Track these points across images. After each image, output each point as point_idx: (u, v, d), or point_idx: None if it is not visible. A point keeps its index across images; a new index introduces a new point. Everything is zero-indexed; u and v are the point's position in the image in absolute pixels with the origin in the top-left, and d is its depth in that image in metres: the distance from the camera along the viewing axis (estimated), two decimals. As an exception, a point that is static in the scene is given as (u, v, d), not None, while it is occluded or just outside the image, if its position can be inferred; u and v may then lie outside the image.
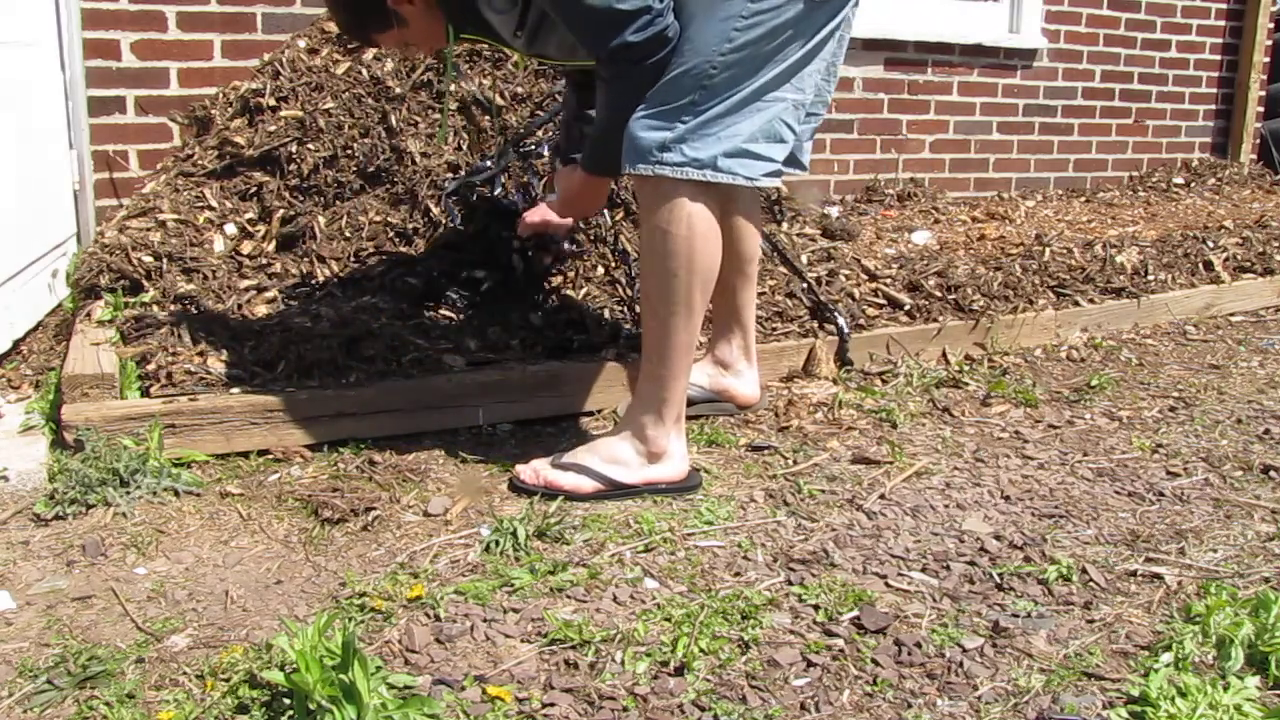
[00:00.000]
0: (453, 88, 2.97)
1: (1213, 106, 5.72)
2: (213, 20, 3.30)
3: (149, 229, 2.70)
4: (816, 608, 1.57)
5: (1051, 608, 1.59)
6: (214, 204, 2.81)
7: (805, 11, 1.84)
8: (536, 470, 1.96)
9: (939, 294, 2.94)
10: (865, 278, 3.02)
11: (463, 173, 2.84)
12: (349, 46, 3.13)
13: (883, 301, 2.91)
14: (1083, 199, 4.99)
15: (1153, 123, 5.52)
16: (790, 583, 1.64)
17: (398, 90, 2.97)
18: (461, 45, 3.06)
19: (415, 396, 2.20)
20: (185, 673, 1.38)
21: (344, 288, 2.58)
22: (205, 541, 1.76)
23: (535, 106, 3.02)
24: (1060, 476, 2.10)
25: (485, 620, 1.51)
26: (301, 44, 3.16)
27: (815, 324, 2.71)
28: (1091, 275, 3.28)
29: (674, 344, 1.91)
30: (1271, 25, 5.76)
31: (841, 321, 2.67)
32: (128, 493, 1.86)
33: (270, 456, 2.08)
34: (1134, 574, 1.70)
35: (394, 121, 2.90)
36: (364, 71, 3.02)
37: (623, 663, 1.41)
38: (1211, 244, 3.74)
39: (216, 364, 2.19)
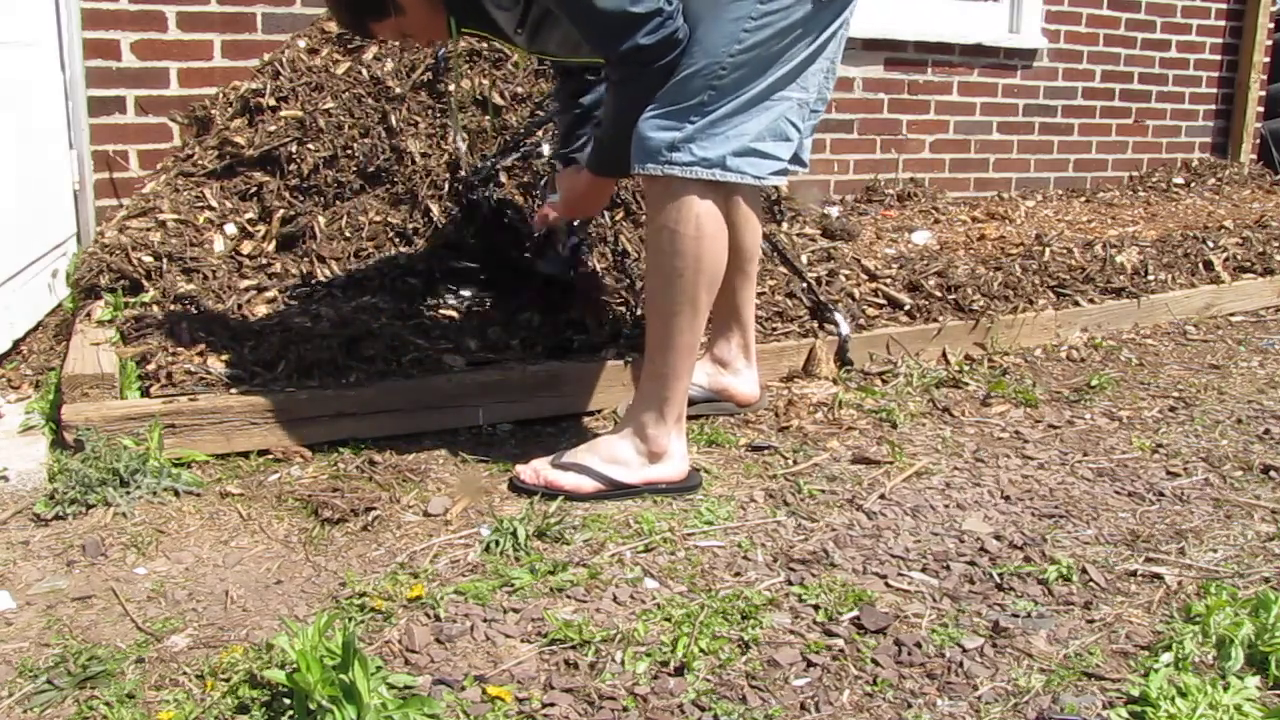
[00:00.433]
0: (452, 87, 2.98)
1: (1213, 106, 5.72)
2: (213, 20, 3.30)
3: (149, 229, 2.70)
4: (816, 608, 1.57)
5: (1051, 608, 1.59)
6: (214, 204, 2.81)
7: (813, 12, 1.84)
8: (537, 470, 1.96)
9: (939, 294, 2.94)
10: (865, 278, 3.02)
11: (462, 173, 2.84)
12: (349, 46, 3.13)
13: (883, 301, 2.91)
14: (1083, 199, 4.99)
15: (1153, 123, 5.52)
16: (790, 583, 1.64)
17: (398, 90, 2.97)
18: (462, 39, 3.06)
19: (415, 396, 2.20)
20: (185, 673, 1.38)
21: (344, 288, 2.58)
22: (205, 541, 1.76)
23: (535, 106, 3.02)
24: (1060, 476, 2.10)
25: (485, 620, 1.51)
26: (301, 44, 3.16)
27: (815, 324, 2.71)
28: (1091, 275, 3.28)
29: (678, 343, 1.91)
30: (1271, 25, 5.76)
31: (840, 320, 2.67)
32: (128, 493, 1.86)
33: (270, 456, 2.08)
34: (1134, 574, 1.70)
35: (394, 121, 2.90)
36: (364, 71, 3.02)
37: (623, 663, 1.41)
38: (1211, 244, 3.74)
39: (216, 364, 2.19)
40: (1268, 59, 5.79)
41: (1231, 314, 3.45)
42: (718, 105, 1.84)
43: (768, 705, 1.34)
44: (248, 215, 2.80)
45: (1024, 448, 2.25)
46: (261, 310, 2.45)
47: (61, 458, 1.95)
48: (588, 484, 1.93)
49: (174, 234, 2.69)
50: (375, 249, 2.70)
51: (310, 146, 2.84)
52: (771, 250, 2.87)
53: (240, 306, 2.46)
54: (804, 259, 3.02)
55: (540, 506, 1.87)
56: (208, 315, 2.38)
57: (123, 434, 1.97)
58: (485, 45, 3.11)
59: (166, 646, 1.44)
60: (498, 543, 1.73)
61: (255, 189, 2.84)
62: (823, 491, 2.00)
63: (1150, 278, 3.37)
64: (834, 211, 3.91)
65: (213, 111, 3.15)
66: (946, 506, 1.95)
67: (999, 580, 1.67)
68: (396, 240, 2.75)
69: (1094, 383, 2.67)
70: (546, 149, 2.83)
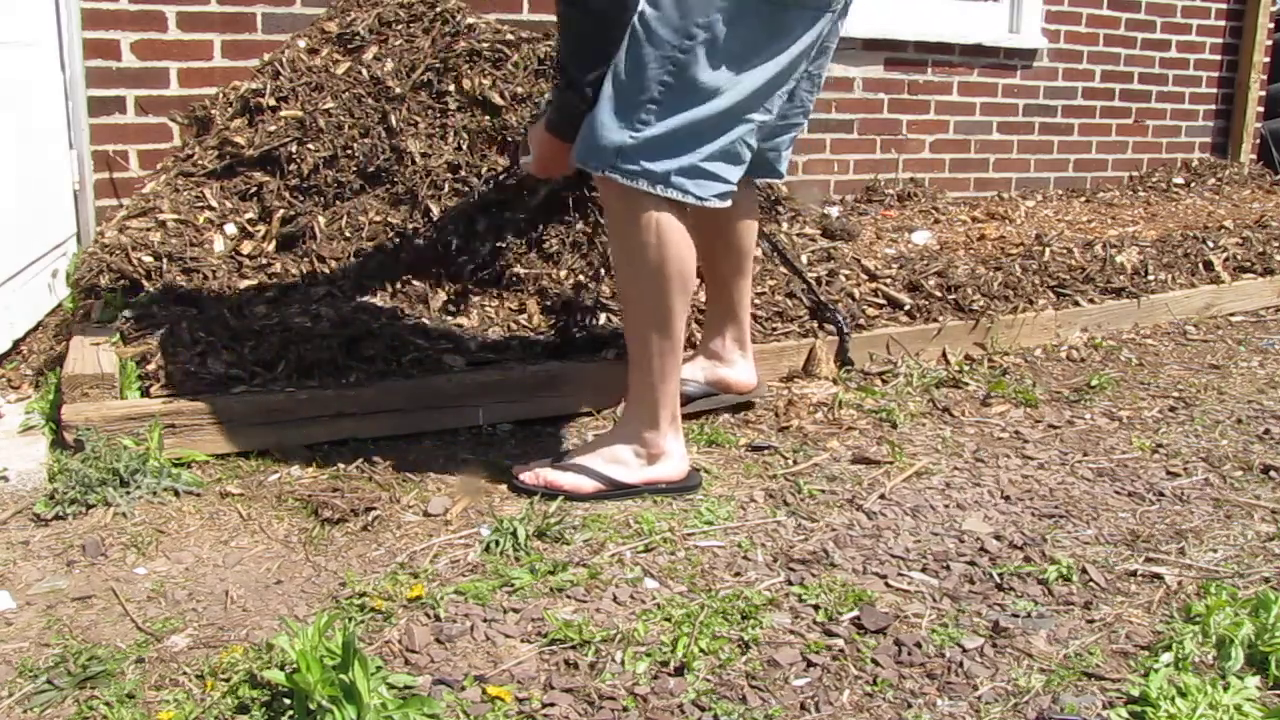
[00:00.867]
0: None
1: (1213, 106, 5.72)
2: (213, 20, 3.30)
3: (149, 229, 2.70)
4: (816, 608, 1.57)
5: (1051, 608, 1.59)
6: (214, 204, 2.81)
7: (778, 20, 1.78)
8: (537, 471, 1.96)
9: (939, 294, 2.94)
10: (865, 278, 3.02)
11: (462, 172, 2.84)
12: (349, 46, 3.13)
13: (883, 301, 2.91)
14: (1083, 199, 4.99)
15: (1153, 123, 5.51)
16: (790, 583, 1.64)
17: (398, 90, 2.97)
18: (461, 41, 3.06)
19: (415, 396, 2.20)
20: (185, 673, 1.38)
21: (344, 288, 2.58)
22: (205, 541, 1.76)
23: (535, 106, 3.02)
24: (1060, 476, 2.10)
25: (485, 620, 1.51)
26: (301, 44, 3.16)
27: (815, 324, 2.71)
28: (1091, 275, 3.28)
29: (656, 349, 1.89)
30: (1271, 25, 5.76)
31: (840, 318, 2.67)
32: (128, 493, 1.86)
33: (270, 456, 2.08)
34: (1134, 574, 1.70)
35: (394, 121, 2.90)
36: (364, 71, 3.02)
37: (623, 663, 1.41)
38: (1211, 244, 3.74)
39: (216, 364, 2.19)
40: (1268, 59, 5.79)
41: (1231, 314, 3.45)
42: (673, 113, 1.77)
43: (768, 705, 1.34)
44: (248, 215, 2.80)
45: (1024, 448, 2.25)
46: (261, 310, 2.45)
47: (61, 458, 1.95)
48: (587, 484, 1.93)
49: (174, 234, 2.69)
50: (375, 249, 2.70)
51: (310, 146, 2.84)
52: (771, 250, 2.87)
53: (240, 306, 2.46)
54: (804, 259, 3.02)
55: (540, 506, 1.87)
56: (208, 315, 2.38)
57: (123, 434, 1.97)
58: (485, 45, 3.11)
59: (166, 646, 1.44)
60: (498, 543, 1.73)
61: (255, 189, 2.84)
62: (823, 491, 2.00)
63: (1150, 278, 3.37)
64: (834, 211, 3.91)
65: (213, 111, 3.15)
66: (946, 506, 1.95)
67: (999, 580, 1.67)
68: (396, 240, 2.75)
69: (1094, 383, 2.67)
70: None
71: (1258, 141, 5.88)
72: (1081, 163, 5.29)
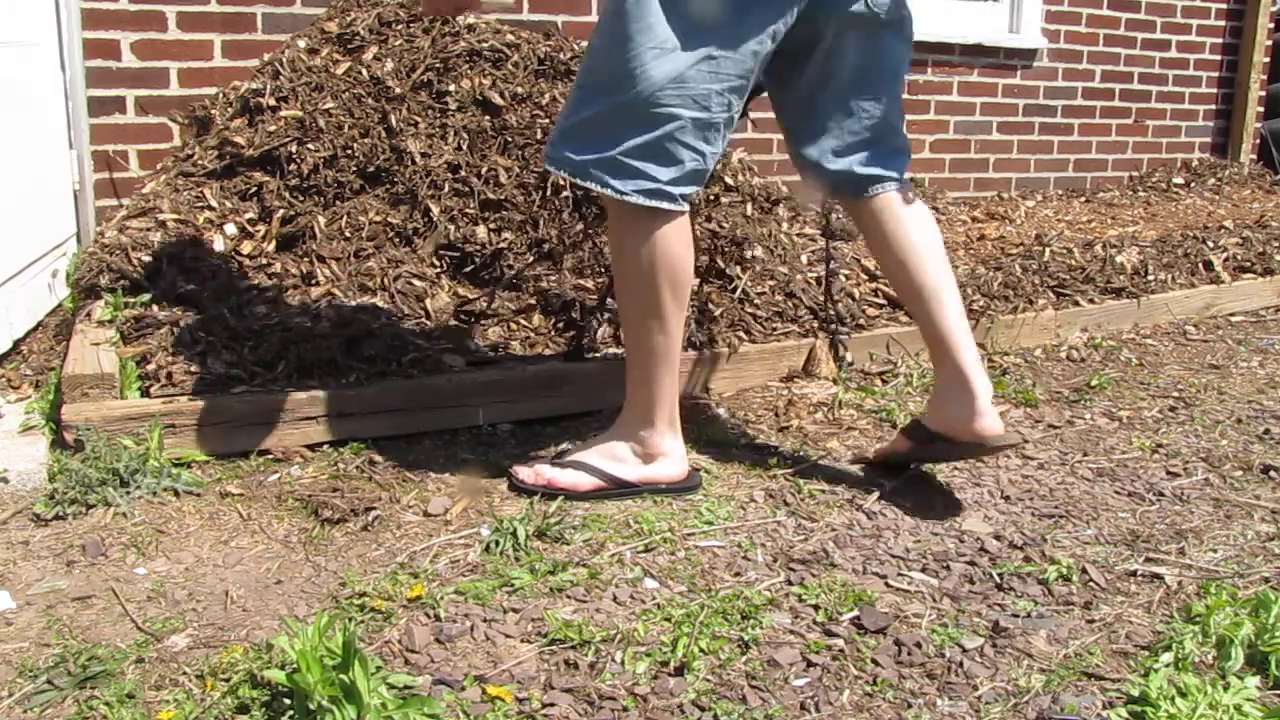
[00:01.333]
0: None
1: (1213, 106, 5.72)
2: (213, 20, 3.30)
3: (149, 229, 2.70)
4: (816, 608, 1.57)
5: (1051, 608, 1.59)
6: (214, 204, 2.81)
7: (700, 7, 1.70)
8: (536, 469, 1.96)
9: (939, 294, 2.93)
10: (865, 278, 3.02)
11: (462, 172, 2.84)
12: (349, 46, 3.13)
13: (883, 301, 2.91)
14: (1083, 199, 4.99)
15: (1153, 123, 5.52)
16: (790, 583, 1.64)
17: (398, 90, 2.97)
18: (461, 42, 3.05)
19: (415, 396, 2.20)
20: (185, 673, 1.38)
21: (344, 288, 2.58)
22: (205, 541, 1.76)
23: (535, 106, 3.02)
24: (1060, 476, 2.10)
25: (485, 620, 1.51)
26: (301, 44, 3.16)
27: (815, 324, 2.71)
28: (1091, 275, 3.28)
29: (648, 348, 1.87)
30: (1271, 25, 5.76)
31: (834, 317, 2.67)
32: (128, 493, 1.86)
33: (270, 456, 2.08)
34: (1134, 574, 1.70)
35: (394, 121, 2.90)
36: (364, 71, 3.02)
37: (623, 663, 1.41)
38: (1211, 244, 3.74)
39: (216, 364, 2.19)
40: (1268, 59, 5.79)
41: (1231, 314, 3.45)
42: (591, 99, 1.75)
43: (768, 705, 1.34)
44: (248, 215, 2.80)
45: (1024, 448, 2.25)
46: (261, 310, 2.45)
47: (61, 458, 1.95)
48: (586, 481, 1.93)
49: (174, 234, 2.69)
50: (375, 249, 2.70)
51: (310, 146, 2.84)
52: (772, 250, 2.87)
53: (240, 306, 2.46)
54: (804, 259, 3.02)
55: (540, 506, 1.87)
56: (208, 315, 2.38)
57: (123, 434, 1.97)
58: (486, 45, 3.11)
59: (166, 646, 1.44)
60: (498, 543, 1.73)
61: (255, 189, 2.84)
62: (823, 491, 2.00)
63: (1150, 278, 3.37)
64: (835, 211, 3.91)
65: (213, 111, 3.15)
66: (946, 506, 1.95)
67: (999, 580, 1.67)
68: (396, 240, 2.75)
69: (1094, 383, 2.67)
70: None
71: (1258, 141, 5.89)
72: (1081, 163, 5.29)
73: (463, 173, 2.84)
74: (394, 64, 3.04)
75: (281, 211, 2.77)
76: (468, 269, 2.75)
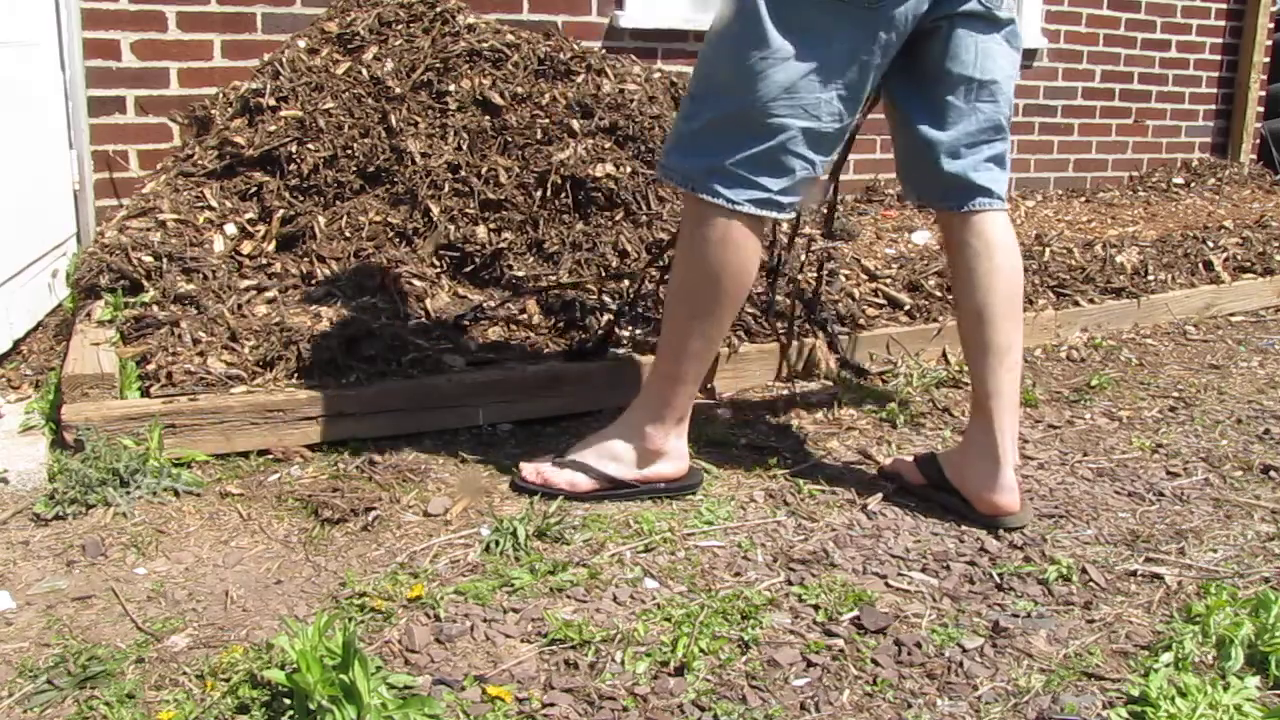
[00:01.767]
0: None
1: (1213, 106, 5.72)
2: (213, 20, 3.30)
3: (149, 229, 2.70)
4: (816, 608, 1.57)
5: (1051, 608, 1.59)
6: (214, 204, 2.81)
7: (808, 17, 1.69)
8: (538, 468, 1.96)
9: (939, 294, 2.94)
10: (865, 278, 3.02)
11: (462, 172, 2.84)
12: (349, 46, 3.14)
13: (883, 301, 2.91)
14: (1083, 199, 4.99)
15: (1153, 123, 5.52)
16: (790, 583, 1.64)
17: (398, 90, 2.97)
18: (461, 42, 3.05)
19: (415, 396, 2.20)
20: (185, 673, 1.38)
21: (344, 288, 2.58)
22: (205, 541, 1.76)
23: (535, 106, 3.02)
24: (1060, 476, 2.10)
25: (485, 620, 1.51)
26: (301, 44, 3.16)
27: (815, 324, 2.71)
28: (1091, 275, 3.28)
29: (688, 350, 1.85)
30: (1271, 25, 5.76)
31: (828, 317, 2.67)
32: (128, 493, 1.86)
33: (270, 456, 2.08)
34: (1134, 574, 1.70)
35: (394, 121, 2.90)
36: (364, 71, 3.02)
37: (623, 663, 1.41)
38: (1211, 244, 3.74)
39: (216, 364, 2.19)
40: (1268, 59, 5.79)
41: (1231, 314, 3.45)
42: (705, 108, 1.76)
43: (768, 705, 1.34)
44: (248, 215, 2.80)
45: (1024, 448, 2.25)
46: (261, 310, 2.45)
47: (61, 458, 1.95)
48: (584, 481, 1.92)
49: (174, 234, 2.69)
50: (375, 249, 2.70)
51: (310, 146, 2.84)
52: (771, 250, 2.87)
53: (240, 306, 2.46)
54: (804, 259, 3.02)
55: (540, 506, 1.87)
56: (208, 315, 2.38)
57: (123, 434, 1.97)
58: (486, 45, 3.11)
59: (166, 646, 1.44)
60: (498, 543, 1.73)
61: (255, 189, 2.84)
62: (823, 491, 2.00)
63: (1150, 278, 3.37)
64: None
65: (213, 111, 3.15)
66: (946, 506, 1.95)
67: (999, 580, 1.67)
68: (396, 240, 2.75)
69: (1094, 383, 2.67)
70: None
71: (1258, 141, 5.89)
72: (1081, 163, 5.29)
73: (463, 173, 2.84)
74: (394, 64, 3.04)
75: (281, 211, 2.77)
76: (468, 269, 2.75)
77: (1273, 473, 2.13)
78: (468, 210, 2.80)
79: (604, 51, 3.46)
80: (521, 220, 2.81)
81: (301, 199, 2.80)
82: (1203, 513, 1.95)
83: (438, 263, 2.74)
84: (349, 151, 2.85)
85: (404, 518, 1.85)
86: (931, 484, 1.96)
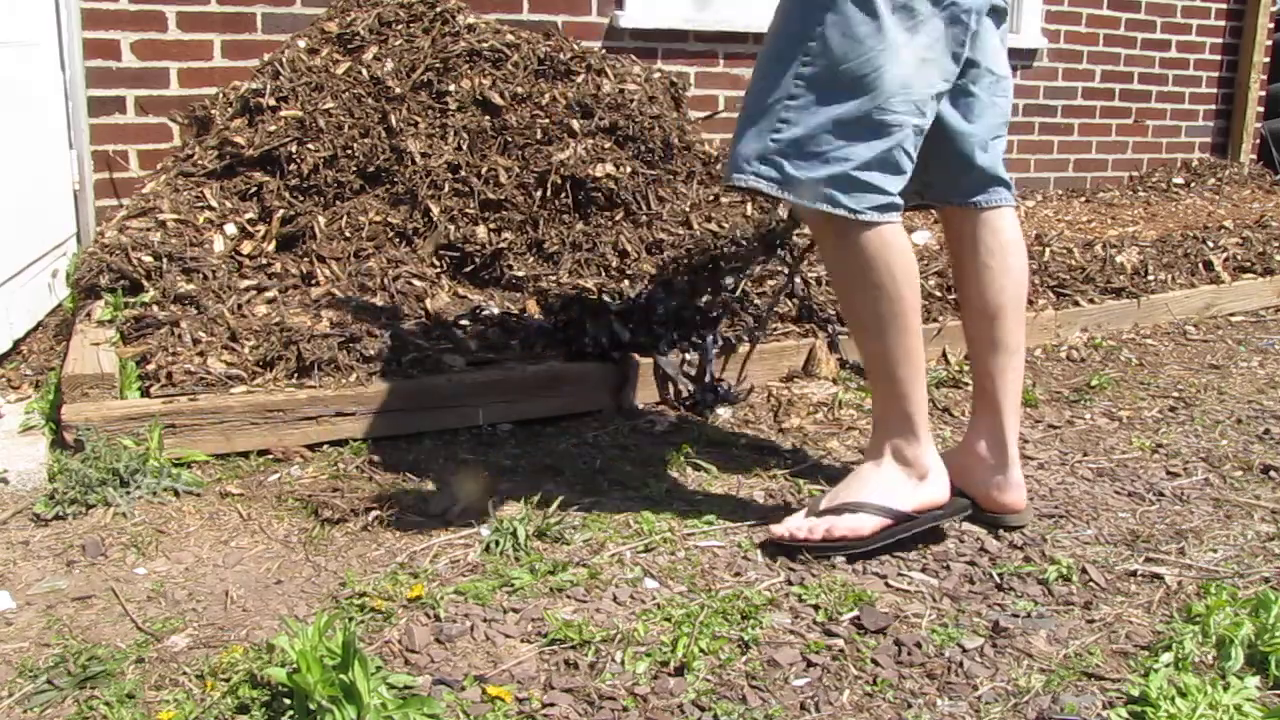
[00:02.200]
0: (452, 87, 2.96)
1: (1213, 106, 5.72)
2: (213, 20, 3.30)
3: (149, 229, 2.70)
4: (816, 608, 1.57)
5: (1051, 608, 1.59)
6: (214, 204, 2.81)
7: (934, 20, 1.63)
8: (807, 525, 1.74)
9: (939, 294, 2.94)
10: (865, 278, 3.01)
11: (462, 172, 2.83)
12: (349, 46, 3.14)
13: (883, 301, 2.90)
14: (1083, 199, 4.99)
15: (1153, 123, 5.52)
16: (790, 583, 1.64)
17: (398, 90, 2.97)
18: (461, 42, 3.05)
19: (415, 396, 2.20)
20: (185, 673, 1.38)
21: (344, 288, 2.58)
22: (205, 541, 1.76)
23: (535, 106, 3.02)
24: (1060, 476, 2.10)
25: (485, 620, 1.51)
26: (301, 44, 3.16)
27: (815, 324, 2.71)
28: (1091, 275, 3.28)
29: (900, 358, 1.71)
30: (1271, 25, 5.77)
31: (828, 317, 2.67)
32: (128, 493, 1.86)
33: (270, 456, 2.08)
34: (1134, 574, 1.70)
35: (394, 121, 2.90)
36: (364, 71, 3.02)
37: (623, 663, 1.41)
38: (1211, 244, 3.74)
39: (216, 364, 2.19)
40: (1268, 59, 5.79)
41: (1231, 314, 3.45)
42: (814, 109, 1.62)
43: (768, 705, 1.34)
44: (248, 215, 2.80)
45: (1024, 448, 2.25)
46: (261, 310, 2.45)
47: (61, 458, 1.95)
48: (868, 522, 1.71)
49: (174, 234, 2.69)
50: (375, 249, 2.70)
51: (310, 146, 2.84)
52: (770, 250, 2.87)
53: (240, 306, 2.46)
54: (804, 259, 3.02)
55: (540, 508, 1.87)
56: (208, 315, 2.38)
57: (123, 434, 1.97)
58: (486, 45, 3.11)
59: (166, 646, 1.44)
60: (498, 543, 1.73)
61: (255, 189, 2.84)
62: (823, 491, 2.00)
63: (1150, 278, 3.37)
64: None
65: (213, 111, 3.15)
66: (946, 506, 1.95)
67: (999, 580, 1.67)
68: (396, 240, 2.75)
69: (1094, 383, 2.67)
70: None
71: (1258, 141, 5.89)
72: (1081, 163, 5.29)
73: (463, 173, 2.84)
74: (394, 64, 3.04)
75: (281, 211, 2.77)
76: (468, 269, 2.75)
77: (1273, 473, 2.13)
78: (468, 210, 2.80)
79: (604, 51, 3.46)
80: (521, 220, 2.81)
81: (301, 199, 2.80)
82: (1203, 513, 1.95)
83: (438, 263, 2.74)
84: (349, 151, 2.85)
85: (404, 518, 1.85)
86: None
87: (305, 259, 2.67)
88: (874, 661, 1.44)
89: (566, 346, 2.44)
